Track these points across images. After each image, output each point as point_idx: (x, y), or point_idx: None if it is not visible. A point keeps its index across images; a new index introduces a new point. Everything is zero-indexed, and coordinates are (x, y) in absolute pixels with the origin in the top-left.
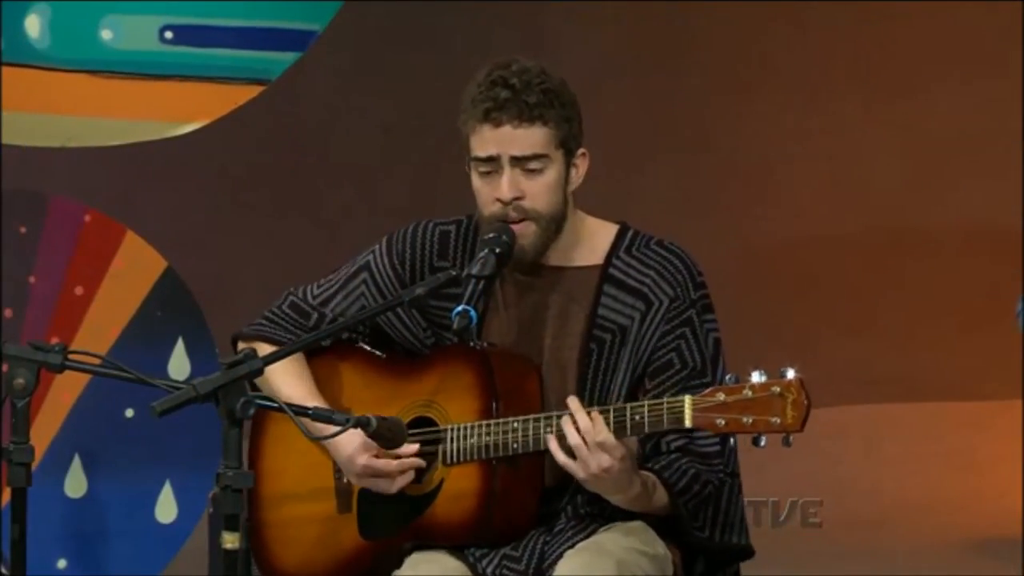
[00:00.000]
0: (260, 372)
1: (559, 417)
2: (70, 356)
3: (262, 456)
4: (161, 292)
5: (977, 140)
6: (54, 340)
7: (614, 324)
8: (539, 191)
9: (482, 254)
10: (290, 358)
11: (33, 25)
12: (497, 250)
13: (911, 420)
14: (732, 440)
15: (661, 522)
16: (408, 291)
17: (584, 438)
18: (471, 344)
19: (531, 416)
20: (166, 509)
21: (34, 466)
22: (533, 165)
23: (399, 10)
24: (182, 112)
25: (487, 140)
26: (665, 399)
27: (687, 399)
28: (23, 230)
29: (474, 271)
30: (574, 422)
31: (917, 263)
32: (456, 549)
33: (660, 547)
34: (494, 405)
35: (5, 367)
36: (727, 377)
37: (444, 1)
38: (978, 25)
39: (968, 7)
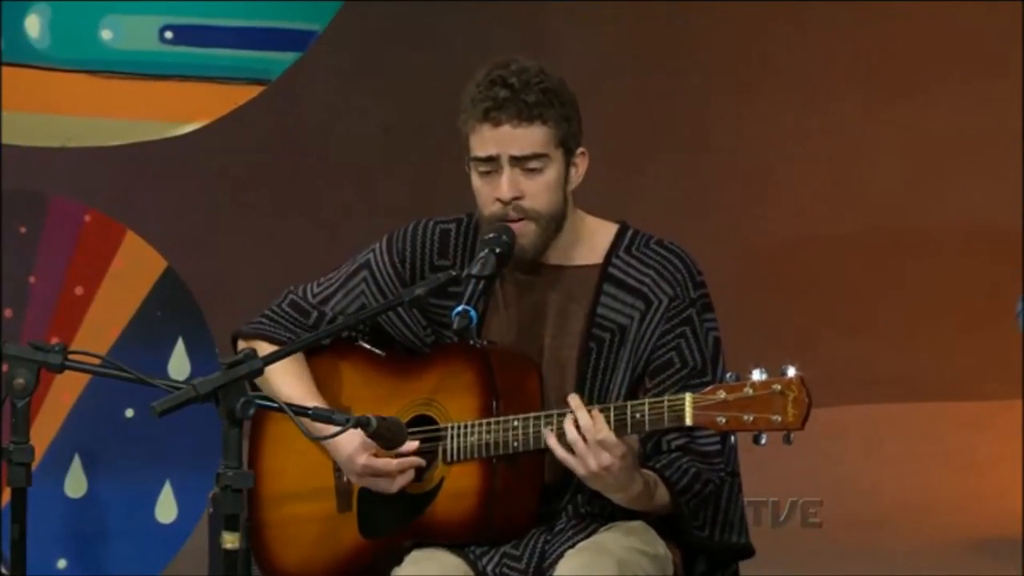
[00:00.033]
0: (260, 372)
1: (560, 415)
2: (70, 356)
3: (262, 455)
4: (161, 292)
5: (977, 140)
6: (54, 340)
7: (614, 323)
8: (538, 190)
9: (482, 254)
10: (289, 357)
11: (33, 25)
12: (497, 250)
13: (911, 420)
14: (732, 439)
15: (662, 522)
16: (408, 291)
17: (584, 436)
18: (471, 343)
19: (531, 414)
20: (166, 509)
21: (34, 466)
22: (533, 164)
23: (399, 10)
24: (182, 112)
25: (486, 140)
26: (666, 397)
27: (688, 397)
28: (23, 230)
29: (474, 271)
30: (575, 420)
31: (917, 263)
32: (456, 547)
33: (661, 547)
34: (494, 403)
35: (5, 367)
36: (728, 375)
37: (444, 1)
38: (978, 25)
39: (968, 7)
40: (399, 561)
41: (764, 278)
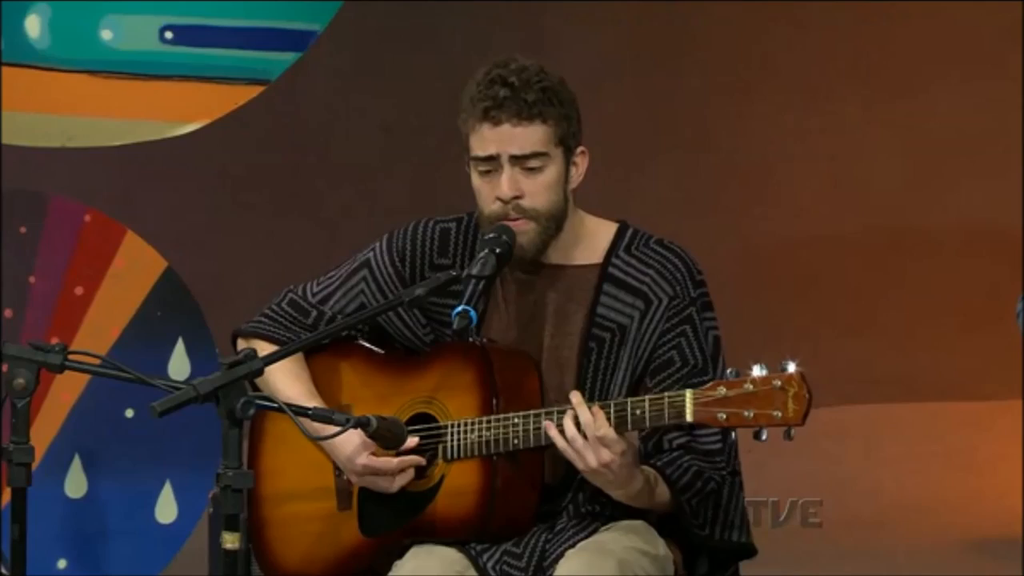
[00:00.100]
0: (260, 372)
1: (560, 412)
2: (70, 356)
3: (262, 455)
4: (161, 292)
5: (977, 140)
6: (54, 340)
7: (613, 323)
8: (538, 190)
9: (482, 254)
10: (288, 357)
11: (33, 25)
12: (497, 250)
13: (911, 420)
14: (732, 436)
15: (663, 521)
16: (408, 291)
17: (584, 432)
18: (471, 341)
19: (531, 412)
20: (166, 509)
21: (34, 466)
22: (532, 164)
23: (399, 10)
24: (182, 112)
25: (486, 139)
26: (666, 393)
27: (688, 393)
28: (23, 230)
29: (474, 271)
30: (575, 417)
31: (917, 263)
32: (457, 543)
33: (661, 547)
34: (494, 401)
35: (5, 367)
36: (728, 371)
37: (444, 1)
38: (978, 25)
39: (968, 7)
40: (400, 559)
41: (764, 278)
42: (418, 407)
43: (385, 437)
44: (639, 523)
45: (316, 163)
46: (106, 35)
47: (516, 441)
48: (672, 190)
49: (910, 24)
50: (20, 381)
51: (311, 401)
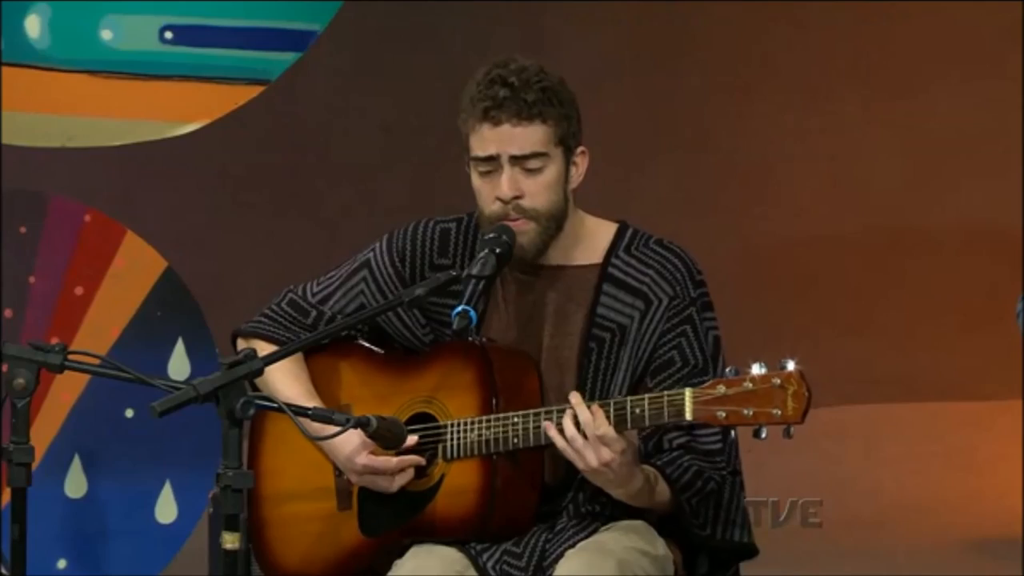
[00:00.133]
0: (260, 372)
1: (560, 411)
2: (70, 356)
3: (262, 455)
4: (161, 292)
5: (977, 140)
6: (54, 340)
7: (613, 323)
8: (538, 190)
9: (482, 254)
10: (288, 357)
11: (33, 25)
12: (497, 250)
13: (911, 420)
14: (732, 434)
15: (663, 521)
16: (408, 291)
17: (584, 432)
18: (471, 339)
19: (531, 411)
20: (166, 509)
21: (34, 466)
22: (532, 164)
23: (399, 10)
24: (182, 112)
25: (486, 139)
26: (665, 392)
27: (688, 391)
28: (23, 230)
29: (474, 271)
30: (574, 416)
31: (917, 263)
32: (457, 542)
33: (661, 547)
34: (494, 401)
35: (5, 367)
36: (727, 370)
37: (444, 1)
38: (978, 25)
39: (968, 7)
40: (400, 559)
41: (764, 278)
42: (418, 407)
43: (385, 437)
44: (639, 523)
45: (316, 163)
46: (106, 35)
47: (516, 440)
48: (672, 190)
49: (910, 24)
50: (20, 381)
51: (310, 401)
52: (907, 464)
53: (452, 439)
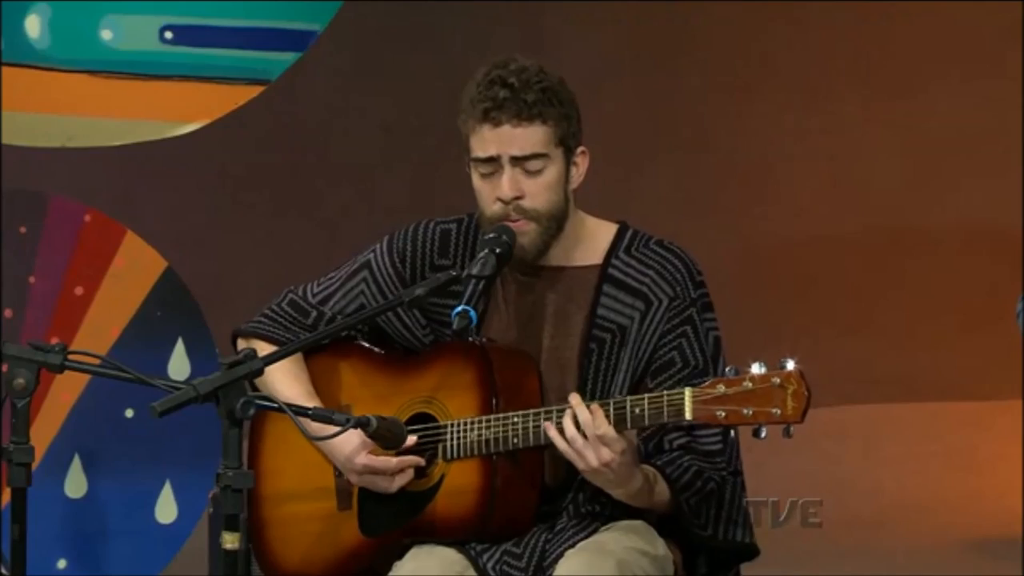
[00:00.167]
0: (260, 372)
1: (559, 411)
2: (70, 356)
3: (262, 455)
4: (161, 292)
5: (977, 140)
6: (54, 340)
7: (614, 324)
8: (539, 190)
9: (482, 254)
10: (288, 357)
11: (33, 25)
12: (497, 250)
13: (911, 420)
14: (732, 434)
15: (663, 521)
16: (408, 291)
17: (584, 432)
18: (471, 340)
19: (531, 411)
20: (166, 509)
21: (34, 466)
22: (533, 165)
23: (399, 10)
24: (182, 112)
25: (487, 140)
26: (665, 392)
27: (687, 391)
28: (23, 230)
29: (474, 271)
30: (574, 417)
31: (917, 263)
32: (457, 543)
33: (661, 547)
34: (494, 401)
35: (5, 367)
36: (727, 369)
37: (444, 1)
38: (978, 25)
39: (968, 7)
40: (400, 559)
41: (764, 278)
42: (418, 407)
43: (385, 437)
44: (639, 523)
45: (316, 163)
46: (106, 35)
47: (516, 440)
48: (672, 190)
49: (910, 24)
50: (20, 381)
51: (310, 402)
52: (907, 464)
53: (452, 439)
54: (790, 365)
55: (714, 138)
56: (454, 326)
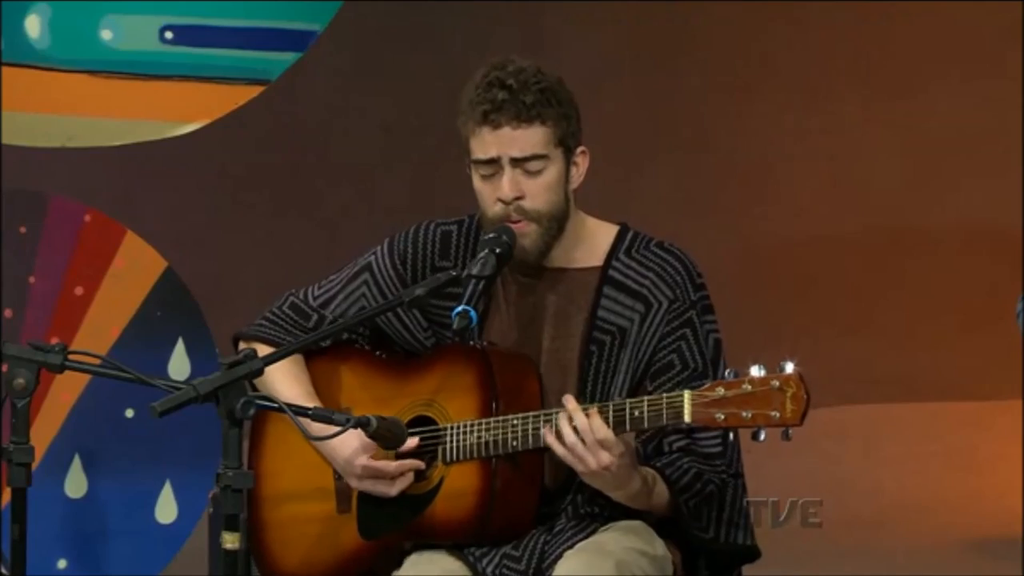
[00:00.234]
0: (260, 372)
1: (558, 414)
2: (70, 356)
3: (262, 456)
4: (161, 292)
5: (977, 140)
6: (54, 340)
7: (614, 326)
8: (539, 191)
9: (482, 254)
10: (288, 359)
11: (33, 25)
12: (497, 250)
13: (911, 420)
14: (732, 436)
15: (662, 522)
16: (408, 291)
17: (583, 437)
18: (471, 343)
19: (530, 413)
20: (166, 509)
21: (34, 466)
22: (533, 166)
23: (399, 10)
24: (182, 112)
25: (487, 142)
26: (664, 394)
27: (686, 393)
28: (23, 230)
29: (474, 271)
30: (570, 421)
31: (917, 263)
32: (456, 548)
33: (660, 547)
34: (494, 404)
35: (5, 367)
36: (726, 372)
37: (444, 1)
38: (978, 25)
39: (968, 7)
40: (399, 562)
41: (764, 278)
42: (418, 410)
43: (385, 437)
44: (638, 523)
45: (316, 163)
46: (106, 35)
47: (515, 443)
48: (672, 190)
49: (910, 24)
50: (20, 381)
51: (310, 403)
52: (907, 464)
53: (452, 442)
54: (789, 368)
55: (714, 138)
56: (454, 326)
